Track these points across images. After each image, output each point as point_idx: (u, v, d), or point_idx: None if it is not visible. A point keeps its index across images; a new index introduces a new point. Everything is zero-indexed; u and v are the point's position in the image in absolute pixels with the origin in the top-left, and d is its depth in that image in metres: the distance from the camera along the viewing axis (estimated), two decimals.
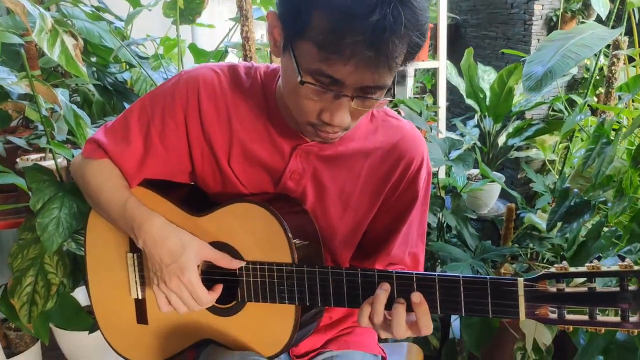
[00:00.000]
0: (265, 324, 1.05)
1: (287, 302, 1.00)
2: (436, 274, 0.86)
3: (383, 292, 0.89)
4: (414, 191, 1.12)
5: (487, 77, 2.46)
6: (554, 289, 0.80)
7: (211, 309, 1.09)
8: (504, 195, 2.67)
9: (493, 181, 2.45)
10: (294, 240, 1.00)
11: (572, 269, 0.78)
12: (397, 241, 1.14)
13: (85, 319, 1.68)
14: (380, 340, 1.26)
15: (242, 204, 1.05)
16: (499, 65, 2.70)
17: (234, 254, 1.04)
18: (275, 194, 1.10)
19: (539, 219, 1.92)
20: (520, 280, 0.80)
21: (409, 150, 1.10)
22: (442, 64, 2.20)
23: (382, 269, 0.92)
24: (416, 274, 0.88)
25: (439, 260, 2.10)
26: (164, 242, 1.01)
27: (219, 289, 1.04)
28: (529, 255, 2.28)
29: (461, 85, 2.43)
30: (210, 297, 1.01)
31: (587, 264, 0.78)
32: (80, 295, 1.88)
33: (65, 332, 1.78)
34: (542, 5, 2.68)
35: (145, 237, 1.02)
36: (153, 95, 1.10)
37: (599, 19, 2.41)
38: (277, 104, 1.05)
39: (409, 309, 0.88)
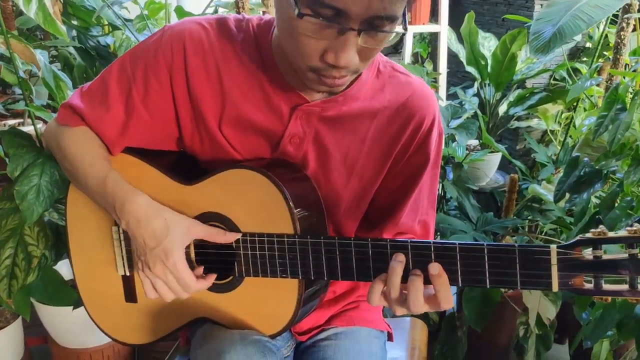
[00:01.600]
0: (266, 300, 0.96)
1: (289, 276, 0.92)
2: (457, 242, 0.78)
3: (398, 264, 0.80)
4: (424, 153, 1.03)
5: (487, 43, 2.36)
6: (590, 257, 0.72)
7: None
8: (501, 167, 2.59)
9: (493, 152, 2.38)
10: (296, 210, 0.92)
11: (611, 234, 0.70)
12: (406, 208, 1.05)
13: (69, 294, 1.59)
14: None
15: (236, 171, 0.95)
16: (499, 32, 2.60)
17: (229, 225, 0.95)
18: (273, 160, 1.01)
19: (544, 190, 1.85)
20: (554, 247, 0.72)
21: (420, 108, 1.01)
22: (444, 28, 2.09)
23: (395, 239, 0.83)
24: (434, 242, 0.80)
25: (438, 233, 2.03)
26: (148, 223, 0.91)
27: (211, 277, 0.95)
28: (526, 228, 2.22)
29: (461, 52, 2.33)
30: (198, 284, 0.93)
31: (627, 228, 0.70)
32: (63, 269, 1.78)
33: (47, 308, 1.69)
34: None
35: (128, 218, 0.93)
36: (133, 53, 0.99)
37: None
38: (274, 59, 0.95)
39: (426, 281, 0.80)
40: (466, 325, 1.90)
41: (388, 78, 1.01)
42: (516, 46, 2.10)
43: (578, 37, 2.42)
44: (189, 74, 0.96)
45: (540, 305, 1.76)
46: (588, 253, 0.73)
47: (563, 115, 2.26)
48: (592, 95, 2.14)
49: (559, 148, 2.24)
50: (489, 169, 2.35)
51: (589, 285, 0.72)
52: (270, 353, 0.87)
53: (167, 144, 1.06)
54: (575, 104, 2.16)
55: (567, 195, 1.65)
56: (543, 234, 2.15)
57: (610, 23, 2.23)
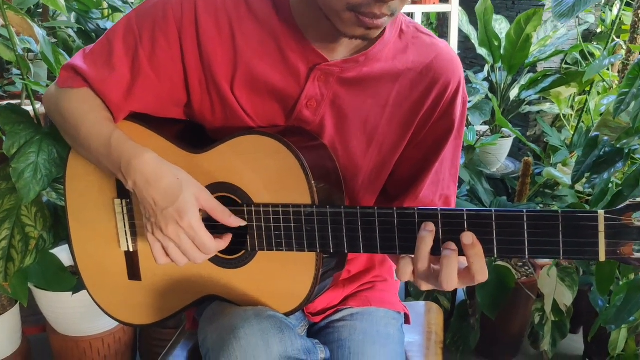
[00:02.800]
0: (280, 276, 0.90)
1: (306, 249, 0.85)
2: (492, 209, 0.72)
3: (428, 234, 0.74)
4: (449, 121, 0.97)
5: (498, 26, 2.29)
6: None
7: (215, 261, 0.94)
8: (511, 155, 2.54)
9: (504, 137, 2.32)
10: (313, 181, 0.85)
11: None
12: (427, 181, 0.99)
13: (68, 279, 1.52)
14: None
15: (250, 137, 0.89)
16: (510, 16, 2.53)
17: (241, 196, 0.89)
18: (288, 127, 0.95)
19: (560, 173, 1.79)
20: (601, 212, 0.66)
21: (445, 71, 0.94)
22: (455, 8, 2.03)
23: (424, 207, 0.77)
24: (467, 210, 0.73)
25: None
26: (158, 181, 0.85)
27: (227, 237, 0.88)
28: None
29: (472, 34, 2.26)
30: (216, 244, 0.86)
31: None
32: (63, 255, 1.72)
33: (46, 295, 1.63)
34: None
35: (135, 176, 0.86)
36: (140, 11, 0.92)
37: None
38: (292, 13, 0.88)
39: (459, 252, 0.74)
40: (479, 313, 1.84)
41: (411, 39, 0.95)
42: (531, 27, 2.04)
43: (591, 19, 2.36)
44: (200, 32, 0.89)
45: (557, 292, 1.71)
46: (638, 219, 0.66)
47: (577, 99, 2.20)
48: (605, 80, 2.08)
49: (572, 132, 2.18)
50: (501, 154, 2.29)
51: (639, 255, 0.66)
52: (287, 329, 0.81)
53: (174, 110, 0.99)
54: (589, 87, 2.10)
55: (585, 177, 1.59)
56: None
57: (626, 5, 2.17)
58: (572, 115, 2.26)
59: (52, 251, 1.59)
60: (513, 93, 2.29)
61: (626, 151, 1.48)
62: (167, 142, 0.95)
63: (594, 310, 1.82)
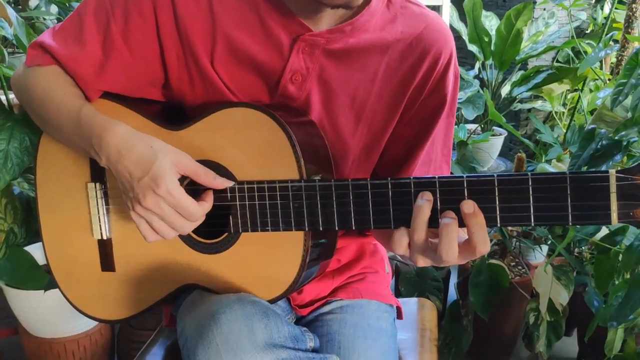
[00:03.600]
0: (265, 259, 0.83)
1: (293, 228, 0.79)
2: (494, 173, 0.66)
3: (426, 203, 0.68)
4: (441, 95, 0.91)
5: (489, 22, 2.26)
6: None
7: (194, 245, 0.87)
8: (501, 154, 2.50)
9: (495, 135, 2.28)
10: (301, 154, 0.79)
11: None
12: (419, 161, 0.93)
13: (41, 277, 1.45)
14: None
15: (232, 110, 0.83)
16: (500, 13, 2.50)
17: (224, 173, 0.83)
18: (271, 105, 0.89)
19: (555, 169, 1.74)
20: (612, 172, 0.61)
21: (436, 41, 0.89)
22: (446, 2, 1.99)
23: (420, 176, 0.71)
24: (467, 176, 0.67)
25: None
26: (130, 151, 0.78)
27: (209, 197, 0.80)
28: None
29: (463, 31, 2.23)
30: (200, 207, 0.78)
31: None
32: (37, 254, 1.64)
33: (18, 294, 1.54)
34: None
35: (108, 151, 0.79)
36: None
37: None
38: None
39: (459, 224, 0.67)
40: (471, 313, 1.78)
41: (400, 8, 0.90)
42: (521, 22, 2.00)
43: (583, 16, 2.33)
44: (176, 2, 0.84)
45: (552, 290, 1.65)
46: None
47: (569, 97, 2.17)
48: (599, 77, 2.05)
49: (564, 130, 2.14)
50: (492, 152, 2.24)
51: None
52: (273, 314, 0.74)
53: (151, 90, 0.93)
54: (581, 85, 2.07)
55: (585, 169, 1.54)
56: None
57: (618, 3, 2.15)
58: (564, 113, 2.22)
59: (26, 248, 1.51)
60: (504, 90, 2.25)
61: (624, 143, 1.44)
62: (144, 119, 0.89)
63: (589, 312, 1.77)
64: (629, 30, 1.83)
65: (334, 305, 0.98)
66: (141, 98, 0.94)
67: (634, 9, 1.82)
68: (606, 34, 2.02)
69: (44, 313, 1.54)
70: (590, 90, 2.16)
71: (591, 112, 1.97)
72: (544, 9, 2.41)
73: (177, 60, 0.88)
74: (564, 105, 2.20)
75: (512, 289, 1.81)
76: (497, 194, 0.66)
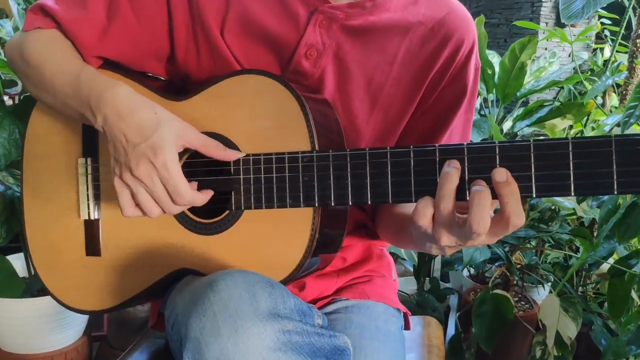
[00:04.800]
0: (269, 239, 0.76)
1: (302, 203, 0.72)
2: (530, 139, 0.60)
3: (453, 170, 0.62)
4: (461, 85, 0.87)
5: (491, 59, 2.26)
6: None
7: (190, 226, 0.80)
8: None
9: None
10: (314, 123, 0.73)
11: None
12: None
13: (17, 285, 1.35)
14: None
15: (241, 77, 0.78)
16: (501, 53, 2.52)
17: (228, 146, 0.77)
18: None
19: (560, 198, 1.69)
20: None
21: (459, 28, 0.85)
22: None
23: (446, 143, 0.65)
24: (499, 143, 0.62)
25: None
26: (133, 114, 0.72)
27: (208, 193, 0.75)
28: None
29: None
30: (192, 194, 0.72)
31: None
32: (17, 264, 1.54)
33: None
34: None
35: (106, 110, 0.73)
36: None
37: (610, 4, 2.26)
38: None
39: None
40: (474, 347, 1.68)
41: None
42: (526, 55, 2.00)
43: (585, 56, 2.34)
44: None
45: (560, 323, 1.57)
46: None
47: (572, 131, 2.14)
48: (598, 120, 2.04)
49: None
50: None
51: None
52: (278, 285, 0.66)
53: (154, 64, 0.88)
54: (585, 119, 2.05)
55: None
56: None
57: (619, 45, 2.16)
58: None
59: (7, 258, 1.42)
60: (506, 126, 2.23)
61: None
62: (144, 89, 0.84)
63: (594, 353, 1.69)
64: (633, 65, 1.82)
65: (338, 305, 0.90)
66: (143, 73, 0.89)
67: (638, 45, 1.82)
68: (615, 58, 2.02)
69: (18, 325, 1.42)
70: (593, 129, 2.14)
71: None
72: (545, 48, 2.42)
73: (186, 29, 0.84)
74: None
75: (516, 323, 1.72)
76: (532, 160, 0.60)
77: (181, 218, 0.80)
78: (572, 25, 2.22)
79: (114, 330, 1.67)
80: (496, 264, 2.02)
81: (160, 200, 0.71)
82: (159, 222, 0.81)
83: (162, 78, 0.92)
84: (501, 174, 0.60)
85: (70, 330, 1.53)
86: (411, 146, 0.66)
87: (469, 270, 2.12)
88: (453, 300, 2.23)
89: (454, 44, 0.85)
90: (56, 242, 0.90)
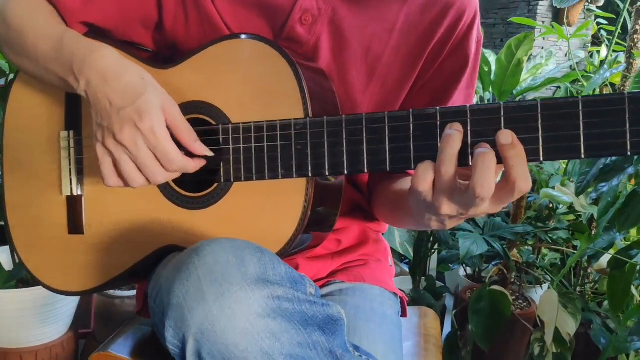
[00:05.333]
0: (259, 213, 0.72)
1: (295, 174, 0.68)
2: (538, 99, 0.57)
3: (456, 133, 0.58)
4: (462, 56, 0.83)
5: (487, 57, 2.24)
6: None
7: (177, 200, 0.76)
8: None
9: None
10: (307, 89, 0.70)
11: None
12: None
13: (1, 274, 1.30)
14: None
15: (231, 42, 0.74)
16: (497, 53, 2.50)
17: (217, 115, 0.74)
18: None
19: (559, 193, 1.66)
20: None
21: None
22: None
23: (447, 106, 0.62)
24: (505, 103, 0.58)
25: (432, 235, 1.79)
26: (118, 78, 0.69)
27: (200, 161, 0.71)
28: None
29: None
30: (185, 160, 0.68)
31: None
32: (2, 257, 1.50)
33: None
34: None
35: (90, 74, 0.70)
36: None
37: (606, 4, 2.24)
38: None
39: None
40: (470, 344, 1.64)
41: None
42: (522, 51, 1.98)
43: (581, 54, 2.33)
44: None
45: (559, 319, 1.53)
46: None
47: None
48: None
49: (564, 165, 2.07)
50: None
51: None
52: (268, 252, 0.62)
53: (141, 32, 0.85)
54: None
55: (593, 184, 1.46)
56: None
57: (616, 44, 2.15)
58: None
59: None
60: None
61: (635, 157, 1.36)
62: (132, 59, 0.79)
63: (592, 353, 1.65)
64: (632, 60, 1.80)
65: (333, 288, 0.86)
66: (130, 42, 0.86)
67: (636, 40, 1.81)
68: (613, 51, 2.00)
69: (1, 317, 1.38)
70: None
71: None
72: (542, 48, 2.40)
73: None
74: None
75: (514, 321, 1.69)
76: (540, 121, 0.56)
77: (168, 192, 0.76)
78: (569, 24, 2.21)
79: (101, 325, 1.62)
80: (493, 263, 1.99)
81: (144, 167, 0.67)
82: (146, 197, 0.77)
83: (149, 50, 0.88)
84: (506, 136, 0.56)
85: (56, 324, 1.48)
86: (410, 110, 0.62)
87: (465, 270, 2.09)
88: (449, 302, 2.19)
89: (455, 13, 0.82)
90: (37, 220, 0.86)
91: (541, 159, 0.56)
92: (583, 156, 0.55)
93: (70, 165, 0.83)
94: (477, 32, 0.86)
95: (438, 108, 0.61)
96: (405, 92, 0.84)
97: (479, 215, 0.62)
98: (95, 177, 0.81)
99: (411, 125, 0.62)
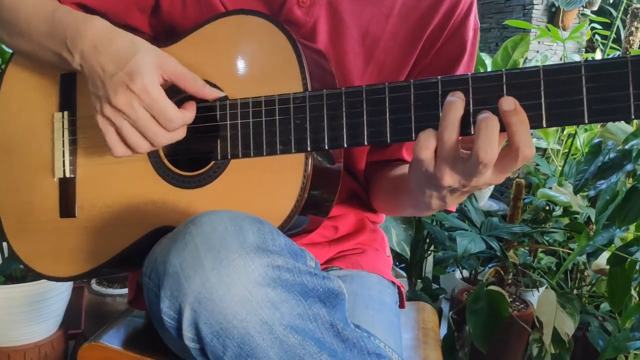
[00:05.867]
0: (256, 190, 0.70)
1: (293, 149, 0.67)
2: (540, 65, 0.56)
3: (458, 100, 0.57)
4: (459, 43, 0.83)
5: (483, 60, 2.25)
6: None
7: (172, 179, 0.75)
8: (491, 197, 2.42)
9: None
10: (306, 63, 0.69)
11: None
12: None
13: None
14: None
15: (228, 18, 0.73)
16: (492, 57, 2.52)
17: None
18: None
19: (556, 192, 1.65)
20: None
21: None
22: None
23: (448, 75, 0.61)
24: (506, 70, 0.57)
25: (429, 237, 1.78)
26: (109, 45, 0.68)
27: (192, 106, 0.70)
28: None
29: None
30: (183, 114, 0.67)
31: None
32: None
33: None
34: None
35: (82, 45, 0.69)
36: None
37: (600, 9, 2.26)
38: None
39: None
40: (468, 346, 1.62)
41: None
42: (518, 53, 1.99)
43: (577, 59, 2.34)
44: None
45: (557, 319, 1.51)
46: None
47: (564, 132, 2.12)
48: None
49: (560, 167, 2.08)
50: (485, 191, 2.16)
51: None
52: (267, 224, 0.60)
53: (136, 15, 0.84)
54: None
55: (592, 180, 1.46)
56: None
57: (610, 49, 2.16)
58: (559, 150, 2.17)
59: None
60: None
61: (634, 154, 1.36)
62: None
63: (591, 354, 1.63)
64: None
65: (330, 274, 0.84)
66: (126, 26, 0.84)
67: (631, 42, 1.82)
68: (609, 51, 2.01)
69: None
70: (585, 130, 2.13)
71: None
72: (537, 51, 2.42)
73: None
74: (560, 142, 2.15)
75: (511, 322, 1.67)
76: (542, 87, 0.55)
77: (163, 171, 0.75)
78: (563, 28, 2.22)
79: (92, 324, 1.59)
80: (489, 266, 1.98)
81: (145, 130, 0.66)
82: (139, 177, 0.76)
83: (146, 34, 0.87)
84: (509, 103, 0.56)
85: (45, 322, 1.45)
86: (411, 80, 0.61)
87: (461, 272, 2.07)
88: (445, 306, 2.17)
89: (451, 1, 0.81)
90: (28, 205, 0.84)
91: (544, 125, 0.56)
92: (587, 121, 0.54)
93: (63, 147, 0.81)
94: (474, 20, 0.85)
95: (439, 77, 0.60)
96: (402, 77, 0.84)
97: (480, 187, 0.61)
98: (89, 159, 0.80)
99: (412, 95, 0.61)
